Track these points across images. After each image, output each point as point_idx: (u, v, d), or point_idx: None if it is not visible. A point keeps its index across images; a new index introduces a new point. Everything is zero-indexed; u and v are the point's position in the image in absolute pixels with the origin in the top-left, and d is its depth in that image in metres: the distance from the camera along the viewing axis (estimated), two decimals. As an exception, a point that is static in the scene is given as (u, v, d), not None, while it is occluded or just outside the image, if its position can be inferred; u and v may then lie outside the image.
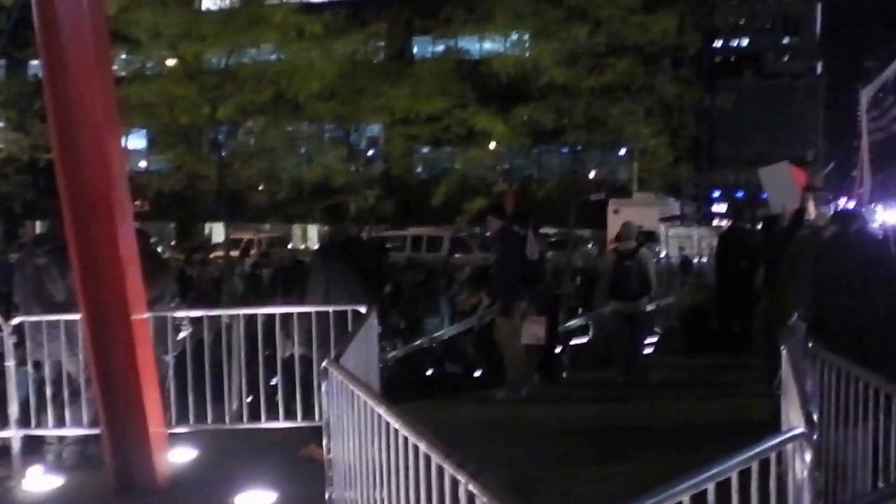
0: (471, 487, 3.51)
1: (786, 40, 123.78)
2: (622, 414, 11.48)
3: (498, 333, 12.34)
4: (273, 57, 22.11)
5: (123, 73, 19.92)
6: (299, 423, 8.58)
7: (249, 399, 8.96)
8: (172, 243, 48.93)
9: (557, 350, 14.37)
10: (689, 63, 28.07)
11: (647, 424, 10.77)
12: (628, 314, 13.69)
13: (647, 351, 14.96)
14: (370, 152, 31.98)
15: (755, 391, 11.50)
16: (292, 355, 9.29)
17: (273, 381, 9.02)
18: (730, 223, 19.41)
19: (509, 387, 12.11)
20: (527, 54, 21.54)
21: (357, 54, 23.87)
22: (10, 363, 8.42)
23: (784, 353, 6.22)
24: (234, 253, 31.17)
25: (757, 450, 3.83)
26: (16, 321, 8.52)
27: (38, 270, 8.94)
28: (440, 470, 3.86)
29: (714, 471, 3.67)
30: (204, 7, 26.24)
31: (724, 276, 15.75)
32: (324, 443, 6.01)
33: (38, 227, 45.12)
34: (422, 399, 11.99)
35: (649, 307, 14.80)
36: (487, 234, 12.92)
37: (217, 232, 44.75)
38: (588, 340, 15.56)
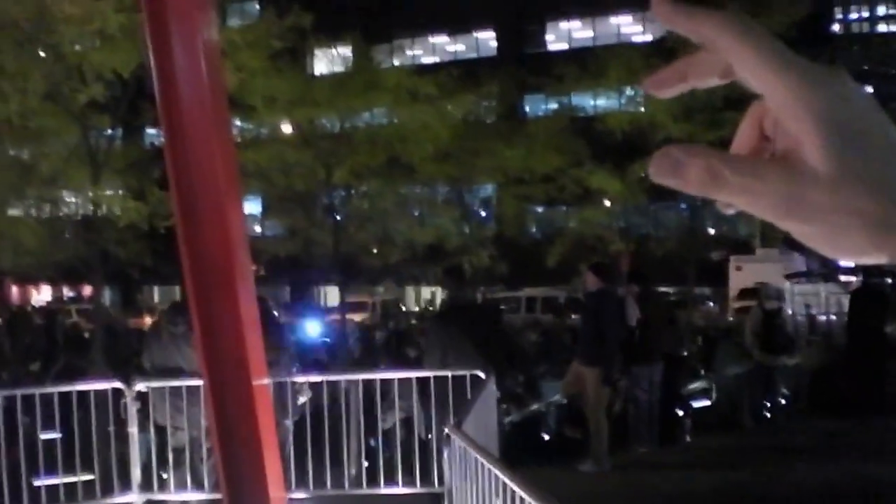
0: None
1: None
2: (748, 479, 11.08)
3: (589, 399, 11.62)
4: (386, 120, 22.37)
5: (239, 139, 20.31)
6: (418, 489, 8.49)
7: (367, 464, 8.92)
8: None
9: (679, 413, 14.02)
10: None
11: (776, 491, 10.37)
12: (771, 368, 14.34)
13: (773, 413, 14.57)
14: (483, 213, 32.02)
15: (889, 455, 11.02)
16: (408, 419, 9.25)
17: (377, 442, 8.98)
18: (861, 279, 18.85)
19: (595, 457, 11.33)
20: (642, 110, 21.41)
21: (470, 115, 23.99)
22: (134, 429, 8.52)
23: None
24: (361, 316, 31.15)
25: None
26: (138, 387, 8.64)
27: (176, 338, 9.07)
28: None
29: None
30: (317, 72, 26.81)
31: (856, 334, 15.22)
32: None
33: (157, 292, 46.28)
34: (539, 464, 11.75)
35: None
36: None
37: (331, 295, 45.27)
38: (711, 403, 15.11)
